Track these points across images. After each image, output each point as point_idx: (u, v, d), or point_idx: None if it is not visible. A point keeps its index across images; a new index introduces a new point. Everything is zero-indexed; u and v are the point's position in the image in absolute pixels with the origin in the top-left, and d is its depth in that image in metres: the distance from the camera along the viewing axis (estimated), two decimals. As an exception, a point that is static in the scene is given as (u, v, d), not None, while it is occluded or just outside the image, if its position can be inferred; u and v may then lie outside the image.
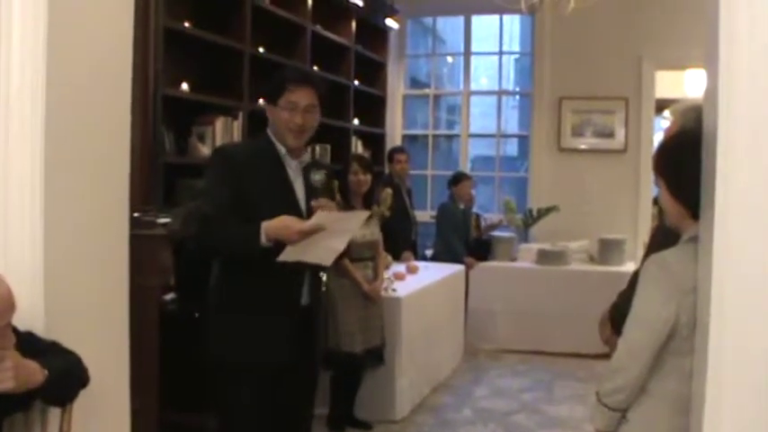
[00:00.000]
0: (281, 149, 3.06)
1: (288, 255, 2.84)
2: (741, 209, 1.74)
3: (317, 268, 3.12)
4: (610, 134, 7.91)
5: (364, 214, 3.32)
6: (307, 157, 3.18)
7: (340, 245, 3.04)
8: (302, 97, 3.02)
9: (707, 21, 1.88)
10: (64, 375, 2.16)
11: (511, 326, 7.04)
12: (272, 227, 2.82)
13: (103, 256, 2.66)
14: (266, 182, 3.01)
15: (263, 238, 2.81)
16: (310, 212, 2.97)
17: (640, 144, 7.71)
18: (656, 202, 2.43)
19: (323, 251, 2.94)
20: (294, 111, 3.01)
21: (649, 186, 7.33)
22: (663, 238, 2.32)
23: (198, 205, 3.01)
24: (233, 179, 2.94)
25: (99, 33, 2.61)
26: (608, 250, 7.10)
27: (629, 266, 6.22)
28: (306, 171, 3.11)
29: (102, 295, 2.66)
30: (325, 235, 2.87)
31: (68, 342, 2.29)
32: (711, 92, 1.84)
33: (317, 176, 3.04)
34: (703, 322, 1.85)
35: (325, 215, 2.89)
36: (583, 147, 7.99)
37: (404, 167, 7.00)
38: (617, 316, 2.50)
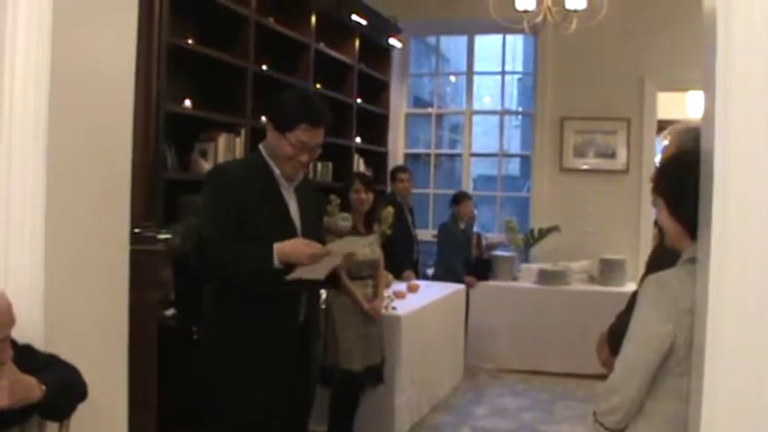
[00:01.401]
0: (276, 171, 3.07)
1: (295, 274, 2.89)
2: (738, 230, 1.75)
3: (312, 285, 3.13)
4: (612, 154, 7.92)
5: (370, 239, 3.35)
6: (300, 177, 3.18)
7: (339, 262, 3.09)
8: (313, 138, 3.01)
9: (704, 44, 1.91)
10: (62, 389, 2.16)
11: (511, 345, 7.03)
12: (284, 250, 2.84)
13: (104, 271, 2.68)
14: (263, 202, 3.01)
15: (276, 261, 2.83)
16: (306, 232, 3.03)
17: (642, 164, 7.72)
18: (656, 222, 2.44)
19: (320, 268, 2.98)
20: (302, 149, 3.01)
21: (651, 207, 7.33)
22: (661, 258, 2.33)
23: (197, 223, 3.01)
24: (229, 199, 2.94)
25: (102, 49, 2.63)
26: (609, 270, 7.10)
27: (630, 287, 6.21)
28: (299, 190, 3.13)
29: (102, 310, 2.67)
30: (332, 256, 2.96)
31: (68, 356, 2.30)
32: (709, 114, 1.86)
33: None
34: (700, 343, 1.86)
35: (338, 244, 2.99)
36: (585, 167, 8.00)
37: (406, 186, 7.01)
38: (614, 337, 2.50)
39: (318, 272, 2.98)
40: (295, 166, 3.04)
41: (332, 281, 3.24)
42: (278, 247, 2.84)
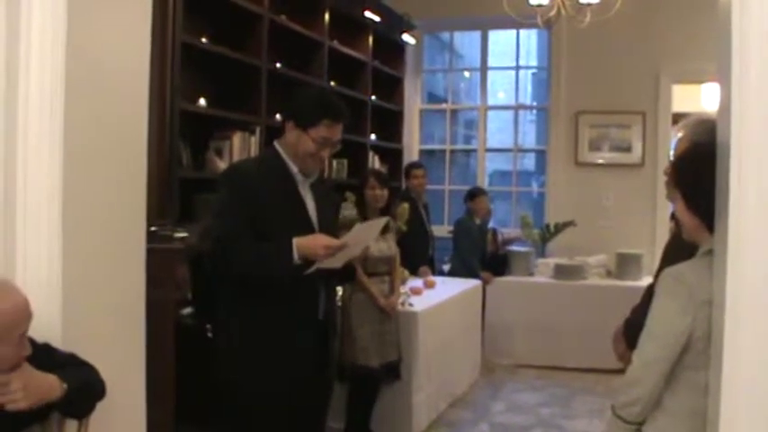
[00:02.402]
0: (293, 167, 3.08)
1: (312, 269, 2.90)
2: (755, 220, 1.74)
3: (330, 281, 3.15)
4: (627, 148, 7.88)
5: (382, 221, 3.34)
6: (316, 174, 3.19)
7: (357, 251, 3.13)
8: (334, 133, 3.05)
9: (719, 35, 1.89)
10: (82, 388, 2.18)
11: (528, 341, 7.02)
12: (302, 245, 2.85)
13: (120, 269, 2.69)
14: (279, 200, 3.02)
15: (296, 256, 2.84)
16: (323, 229, 3.05)
17: (657, 158, 7.66)
18: (673, 216, 2.43)
19: (338, 259, 2.99)
20: (324, 145, 3.03)
21: (666, 200, 7.29)
22: (677, 251, 2.31)
23: (213, 223, 3.02)
24: (245, 198, 2.95)
25: (117, 49, 2.64)
26: (625, 265, 7.07)
27: (647, 281, 6.15)
28: (314, 187, 3.14)
29: (119, 308, 2.68)
30: (350, 246, 2.97)
31: (85, 354, 2.31)
32: (725, 105, 1.85)
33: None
34: (718, 336, 1.85)
35: (352, 234, 3.00)
36: (600, 161, 7.97)
37: (421, 183, 7.00)
38: (630, 331, 2.49)
39: (332, 262, 2.99)
40: (316, 162, 3.06)
41: (348, 274, 3.26)
42: (296, 241, 2.85)
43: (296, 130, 3.04)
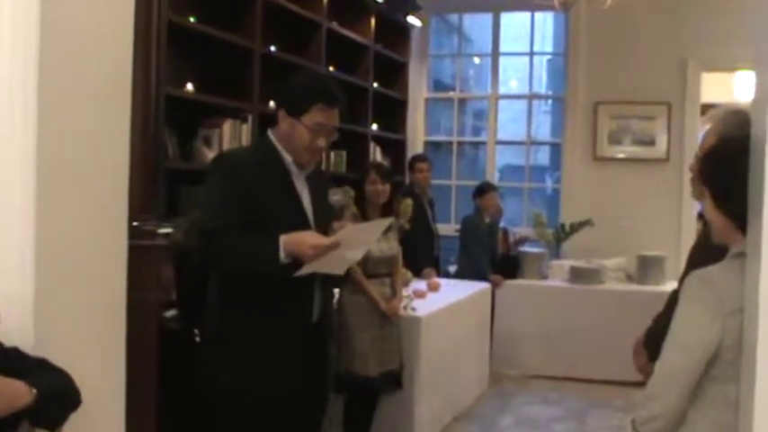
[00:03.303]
0: (287, 158, 3.07)
1: (305, 269, 2.87)
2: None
3: (327, 281, 3.13)
4: (650, 142, 7.87)
5: (385, 222, 3.30)
6: (312, 165, 3.18)
7: (357, 255, 3.10)
8: (330, 119, 3.03)
9: (756, 17, 1.87)
10: (53, 396, 2.16)
11: (540, 350, 7.01)
12: (289, 243, 2.83)
13: (100, 267, 2.67)
14: (273, 193, 3.01)
15: (282, 255, 2.82)
16: (319, 225, 3.00)
17: (684, 153, 7.64)
18: (700, 216, 2.41)
19: (337, 262, 2.97)
20: (319, 132, 3.01)
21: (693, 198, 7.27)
22: (705, 253, 2.30)
23: (201, 217, 3.01)
24: (236, 189, 2.94)
25: (96, 27, 2.63)
26: (647, 268, 7.06)
27: (671, 286, 6.15)
28: (310, 180, 3.12)
29: (98, 310, 2.67)
30: (345, 246, 2.91)
31: (59, 360, 2.30)
32: (761, 95, 1.83)
33: (336, 197, 3.07)
34: (750, 345, 1.83)
35: (347, 231, 2.95)
36: (620, 156, 7.95)
37: (426, 177, 7.00)
38: (652, 341, 2.48)
39: (333, 266, 2.96)
40: (313, 153, 3.04)
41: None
42: (284, 239, 2.83)
43: (288, 118, 3.03)
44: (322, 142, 3.03)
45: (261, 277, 2.94)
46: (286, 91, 3.12)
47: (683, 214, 7.67)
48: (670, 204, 7.71)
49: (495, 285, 6.87)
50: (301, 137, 3.00)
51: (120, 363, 2.80)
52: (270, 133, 3.13)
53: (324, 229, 3.04)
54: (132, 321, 2.86)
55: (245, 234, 2.89)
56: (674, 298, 2.30)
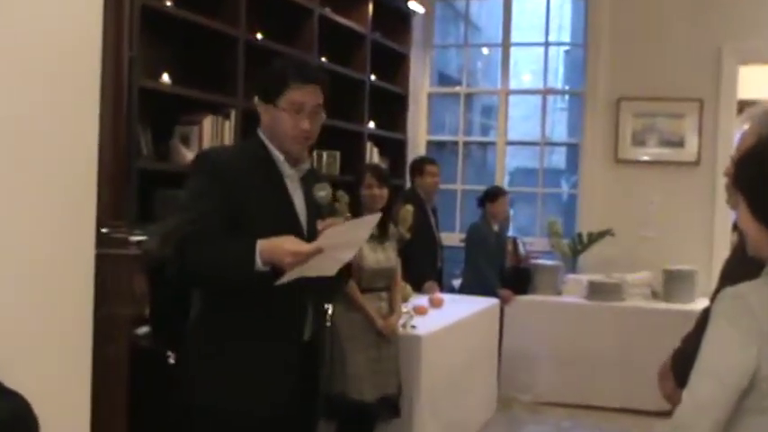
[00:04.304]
0: (279, 156, 3.06)
1: (288, 276, 2.83)
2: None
3: (320, 298, 3.12)
4: (679, 143, 7.87)
5: (374, 219, 3.24)
6: (306, 164, 3.17)
7: (347, 255, 3.07)
8: (309, 97, 3.02)
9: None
10: (8, 423, 2.15)
11: (554, 373, 7.01)
12: (266, 249, 2.81)
13: (63, 279, 2.66)
14: (261, 194, 3.00)
15: (259, 262, 2.80)
16: (312, 231, 2.98)
17: (717, 155, 7.64)
18: (736, 227, 2.41)
19: (324, 264, 2.94)
20: (299, 113, 3.01)
21: (727, 206, 7.27)
22: (739, 268, 2.30)
23: (179, 222, 2.99)
24: (221, 191, 2.92)
25: (60, 11, 2.62)
26: (675, 284, 7.06)
27: (702, 304, 6.16)
28: (305, 181, 3.12)
29: (60, 327, 2.66)
30: (332, 249, 2.88)
31: (15, 383, 2.28)
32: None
33: (322, 192, 3.05)
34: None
35: (331, 232, 2.90)
36: (645, 158, 7.96)
37: (437, 182, 7.00)
38: (680, 366, 2.48)
39: (321, 269, 2.94)
40: (300, 140, 3.03)
41: (338, 279, 3.22)
42: (261, 244, 2.81)
43: (266, 107, 3.05)
44: (306, 124, 3.01)
45: (237, 288, 2.92)
46: (259, 80, 3.15)
47: (715, 224, 7.67)
48: (701, 213, 7.71)
49: (504, 301, 6.86)
50: (283, 123, 3.00)
51: (86, 386, 2.78)
52: (259, 131, 3.13)
53: (317, 235, 3.03)
54: (99, 339, 2.85)
55: (220, 240, 2.88)
56: (704, 317, 2.30)
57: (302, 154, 3.12)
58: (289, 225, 2.99)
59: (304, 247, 2.82)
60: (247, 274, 2.80)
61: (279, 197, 3.06)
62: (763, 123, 2.47)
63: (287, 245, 2.81)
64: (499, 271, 7.15)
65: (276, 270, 2.82)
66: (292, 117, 2.99)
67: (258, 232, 2.85)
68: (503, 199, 7.20)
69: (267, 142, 3.08)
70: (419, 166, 7.11)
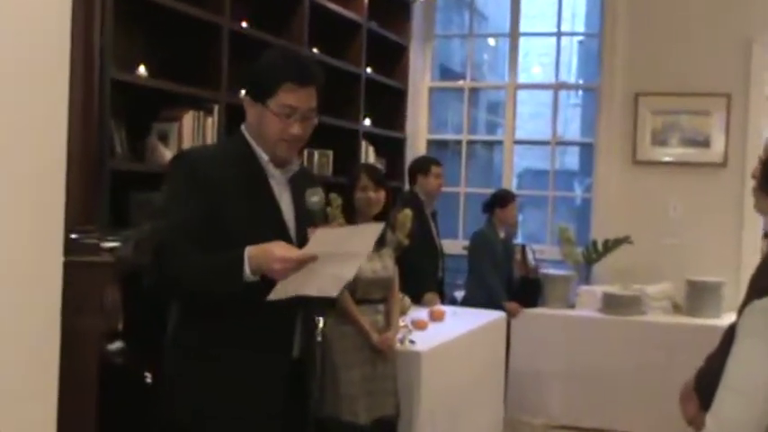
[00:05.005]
0: (264, 156, 3.05)
1: (281, 291, 2.82)
2: None
3: (310, 309, 3.10)
4: (704, 142, 7.87)
5: (377, 228, 3.20)
6: (295, 165, 3.16)
7: (349, 270, 3.02)
8: (302, 100, 3.00)
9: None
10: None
11: (565, 394, 7.01)
12: (255, 255, 2.80)
13: (28, 288, 2.66)
14: (246, 198, 3.00)
15: (248, 270, 2.79)
16: (302, 240, 2.97)
17: (746, 156, 7.63)
18: (767, 234, 2.42)
19: (326, 280, 2.92)
20: (290, 117, 2.99)
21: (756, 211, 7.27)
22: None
23: (154, 229, 2.99)
24: (200, 195, 2.92)
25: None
26: (699, 297, 7.06)
27: (728, 319, 6.15)
28: (294, 183, 3.10)
29: (24, 340, 2.65)
30: (329, 260, 2.85)
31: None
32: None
33: (315, 198, 3.04)
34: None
35: (323, 236, 2.87)
36: (667, 159, 7.97)
37: (440, 184, 6.99)
38: (705, 386, 2.47)
39: (320, 286, 2.92)
40: (288, 145, 3.02)
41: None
42: (249, 251, 2.81)
43: (254, 106, 3.03)
44: (296, 129, 3.00)
45: (225, 301, 2.91)
46: (249, 73, 3.12)
47: (744, 231, 7.67)
48: (728, 219, 7.70)
49: (511, 315, 6.86)
50: (270, 126, 2.99)
51: (51, 405, 2.78)
52: (243, 128, 3.12)
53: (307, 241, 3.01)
54: (68, 355, 2.85)
55: (206, 248, 2.87)
56: (730, 334, 2.29)
57: (289, 157, 3.10)
58: (275, 232, 2.98)
59: (293, 252, 2.81)
60: (235, 284, 2.80)
61: (264, 200, 3.05)
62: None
63: (276, 250, 2.80)
64: (506, 281, 7.15)
65: (268, 282, 2.81)
66: (281, 120, 2.98)
67: (241, 240, 2.84)
68: (512, 205, 7.20)
69: (251, 141, 3.07)
70: (424, 166, 7.08)
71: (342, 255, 2.91)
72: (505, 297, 6.98)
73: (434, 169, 6.98)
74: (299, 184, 3.14)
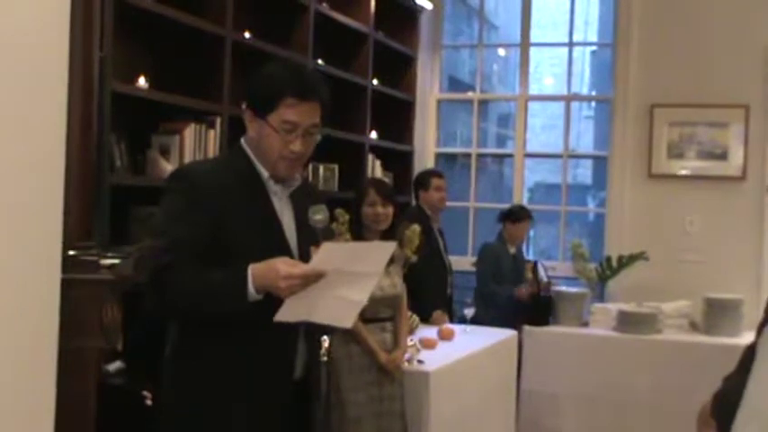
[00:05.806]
0: (264, 172, 3.05)
1: (287, 313, 2.80)
2: None
3: (313, 328, 3.08)
4: (722, 155, 7.86)
5: (389, 246, 3.13)
6: (296, 180, 3.15)
7: (361, 293, 2.93)
8: (304, 116, 2.99)
9: None
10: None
11: (579, 415, 6.98)
12: (259, 273, 2.79)
13: (24, 306, 2.65)
14: (246, 214, 2.99)
15: (252, 289, 2.79)
16: (305, 258, 2.94)
17: (766, 169, 7.64)
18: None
19: (337, 305, 2.86)
20: (291, 133, 2.99)
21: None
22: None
23: (152, 249, 2.98)
24: (199, 213, 2.91)
25: (25, 7, 2.62)
26: (718, 315, 7.02)
27: (748, 338, 6.13)
28: (295, 198, 3.10)
29: (21, 360, 2.65)
30: (338, 279, 2.81)
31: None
32: None
33: (319, 216, 3.01)
34: None
35: (329, 251, 2.83)
36: (683, 172, 7.96)
37: (443, 197, 7.00)
38: (723, 410, 2.46)
39: (330, 312, 2.86)
40: (288, 162, 3.01)
41: None
42: (253, 268, 2.80)
43: (255, 120, 3.03)
44: (297, 146, 2.99)
45: (228, 322, 2.91)
46: (251, 86, 3.12)
47: (764, 246, 7.66)
48: (747, 234, 7.69)
49: (522, 333, 6.83)
50: (270, 142, 2.98)
51: (49, 426, 2.77)
52: (243, 142, 3.12)
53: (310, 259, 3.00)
54: (66, 375, 2.84)
55: (206, 267, 2.86)
56: (750, 353, 2.29)
57: (290, 174, 3.09)
58: (276, 250, 2.96)
59: (298, 268, 2.79)
60: (239, 303, 2.79)
61: (264, 217, 3.05)
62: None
63: (281, 266, 2.78)
64: (516, 299, 7.13)
65: (275, 300, 2.79)
66: (282, 137, 2.97)
67: (242, 258, 2.84)
68: (526, 222, 7.20)
69: (251, 155, 3.07)
70: (424, 180, 7.11)
71: (351, 274, 2.84)
72: (516, 315, 6.96)
73: (435, 182, 6.99)
74: (301, 200, 3.13)
